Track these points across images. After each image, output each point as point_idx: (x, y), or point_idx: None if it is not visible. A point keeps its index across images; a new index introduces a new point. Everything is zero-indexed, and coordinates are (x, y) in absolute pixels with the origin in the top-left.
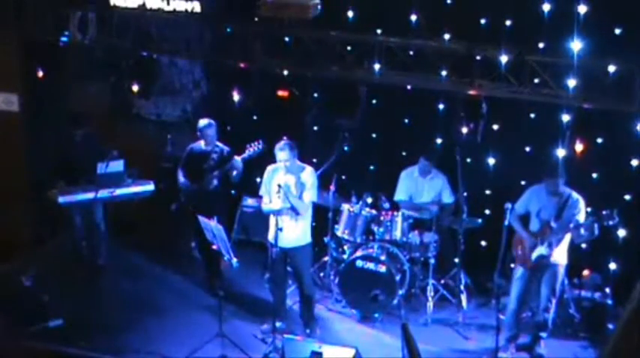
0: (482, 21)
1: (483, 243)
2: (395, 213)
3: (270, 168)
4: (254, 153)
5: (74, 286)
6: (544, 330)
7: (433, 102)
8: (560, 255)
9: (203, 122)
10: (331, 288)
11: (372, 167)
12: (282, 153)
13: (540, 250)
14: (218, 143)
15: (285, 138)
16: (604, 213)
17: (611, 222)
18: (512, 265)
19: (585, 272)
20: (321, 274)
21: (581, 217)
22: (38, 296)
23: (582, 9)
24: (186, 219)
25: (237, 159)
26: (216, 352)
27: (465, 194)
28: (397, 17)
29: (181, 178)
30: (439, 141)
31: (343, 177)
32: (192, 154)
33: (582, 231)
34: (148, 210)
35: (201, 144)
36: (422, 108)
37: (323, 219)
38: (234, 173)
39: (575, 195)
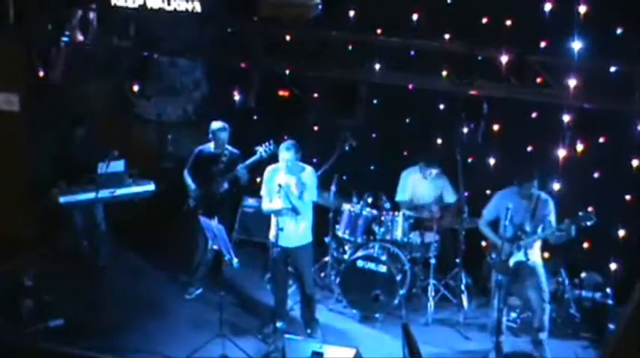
0: (483, 21)
1: (484, 243)
2: (396, 213)
3: (270, 168)
4: (265, 154)
5: (75, 286)
6: (543, 332)
7: (434, 103)
8: (535, 255)
9: (216, 124)
10: (332, 288)
11: (372, 167)
12: (288, 153)
13: (518, 256)
14: (228, 146)
15: (285, 138)
16: (580, 214)
17: (588, 223)
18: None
19: None
20: (322, 274)
21: (553, 217)
22: (39, 296)
23: (583, 9)
24: (188, 219)
25: (241, 167)
26: (216, 352)
27: (466, 194)
28: (397, 17)
29: (189, 181)
30: (439, 141)
31: (344, 177)
32: (202, 156)
33: (558, 232)
34: (149, 210)
35: (211, 146)
36: (422, 109)
37: (324, 219)
38: (243, 179)
39: (543, 195)
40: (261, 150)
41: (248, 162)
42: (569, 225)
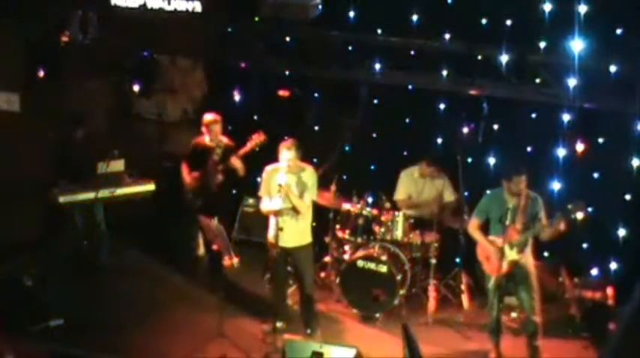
0: (483, 21)
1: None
2: (396, 213)
3: (269, 168)
4: (255, 145)
5: (75, 286)
6: (536, 338)
7: (434, 102)
8: (527, 256)
9: (209, 117)
10: (332, 288)
11: (372, 167)
12: (289, 152)
13: (511, 255)
14: (222, 137)
15: (285, 138)
16: (569, 206)
17: (580, 214)
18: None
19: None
20: (322, 274)
21: (543, 214)
22: (39, 296)
23: (583, 9)
24: (188, 219)
25: (236, 159)
26: (216, 352)
27: (466, 194)
28: (397, 17)
29: (185, 174)
30: (439, 140)
31: (344, 176)
32: (197, 149)
33: (549, 228)
34: (149, 209)
35: (206, 139)
36: (423, 108)
37: (324, 219)
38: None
39: (532, 193)
40: (252, 143)
41: (241, 152)
42: (560, 218)
